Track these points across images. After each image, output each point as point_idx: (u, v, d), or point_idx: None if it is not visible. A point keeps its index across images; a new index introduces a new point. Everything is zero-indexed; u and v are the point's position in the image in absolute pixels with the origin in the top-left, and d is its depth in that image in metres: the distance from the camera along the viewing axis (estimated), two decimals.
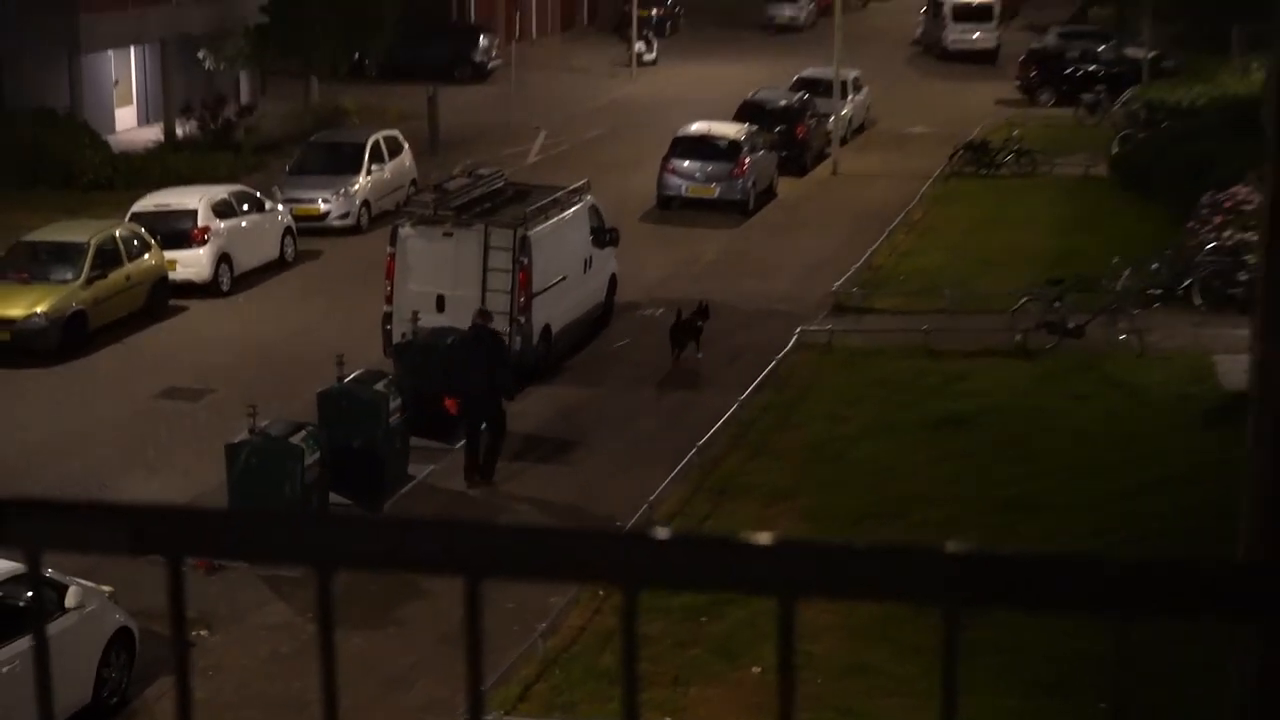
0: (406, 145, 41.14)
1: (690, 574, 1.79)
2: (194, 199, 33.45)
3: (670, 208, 40.21)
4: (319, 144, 40.36)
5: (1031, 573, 1.71)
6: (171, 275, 31.71)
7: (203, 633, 18.42)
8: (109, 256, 30.06)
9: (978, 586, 1.73)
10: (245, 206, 34.12)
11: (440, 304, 26.76)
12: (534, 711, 16.84)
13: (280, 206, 35.60)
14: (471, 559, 1.79)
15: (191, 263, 32.26)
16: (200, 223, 32.61)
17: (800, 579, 1.77)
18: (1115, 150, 45.07)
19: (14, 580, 15.55)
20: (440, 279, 26.91)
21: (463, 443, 23.72)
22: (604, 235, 30.44)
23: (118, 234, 30.73)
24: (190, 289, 32.11)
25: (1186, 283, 31.49)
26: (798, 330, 29.81)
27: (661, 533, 1.78)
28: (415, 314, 25.88)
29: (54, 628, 15.91)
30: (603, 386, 27.46)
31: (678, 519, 21.56)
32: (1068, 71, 59.57)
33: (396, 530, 1.82)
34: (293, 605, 18.89)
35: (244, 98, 50.49)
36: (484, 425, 23.33)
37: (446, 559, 1.81)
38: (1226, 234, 31.91)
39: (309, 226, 36.49)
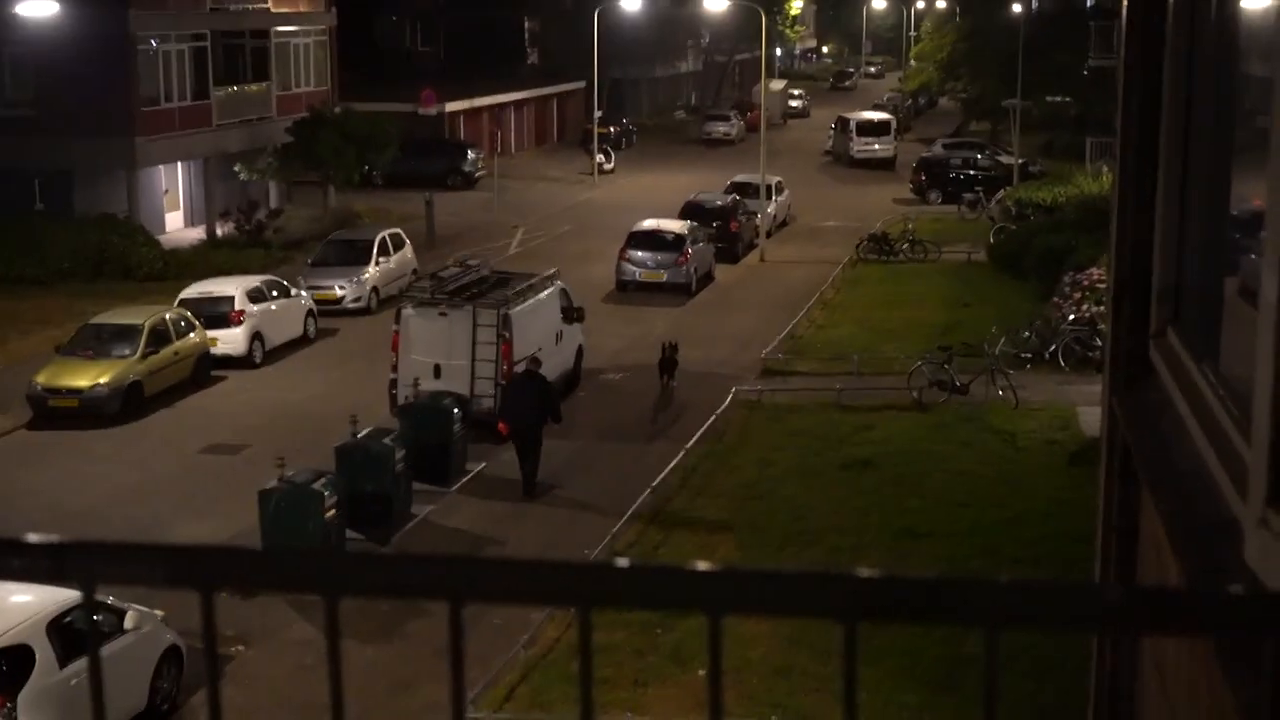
0: (408, 241, 41.14)
1: (634, 596, 1.79)
2: (232, 287, 33.38)
3: (626, 290, 40.26)
4: (335, 240, 40.37)
5: (914, 592, 1.72)
6: (213, 350, 31.60)
7: (240, 648, 18.26)
8: (160, 335, 29.95)
9: (869, 604, 1.73)
10: (275, 293, 34.07)
11: (437, 372, 26.76)
12: (518, 710, 16.74)
13: (304, 293, 35.54)
14: (453, 587, 1.79)
15: (230, 340, 32.15)
16: (237, 307, 32.53)
17: (725, 599, 1.76)
18: (992, 240, 45.35)
19: (79, 608, 15.41)
20: (437, 351, 26.90)
21: (461, 482, 24.56)
22: (572, 313, 30.50)
23: (168, 317, 30.64)
24: (229, 362, 31.97)
25: (1052, 348, 31.67)
26: (733, 390, 29.84)
27: (610, 561, 1.78)
28: (416, 380, 25.90)
29: (115, 645, 15.78)
30: (573, 440, 27.40)
31: (634, 548, 21.51)
32: (952, 176, 59.93)
33: (391, 564, 1.82)
34: (315, 624, 18.73)
35: (273, 203, 50.45)
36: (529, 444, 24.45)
37: (433, 587, 1.80)
38: (1084, 307, 32.12)
39: (328, 309, 36.44)
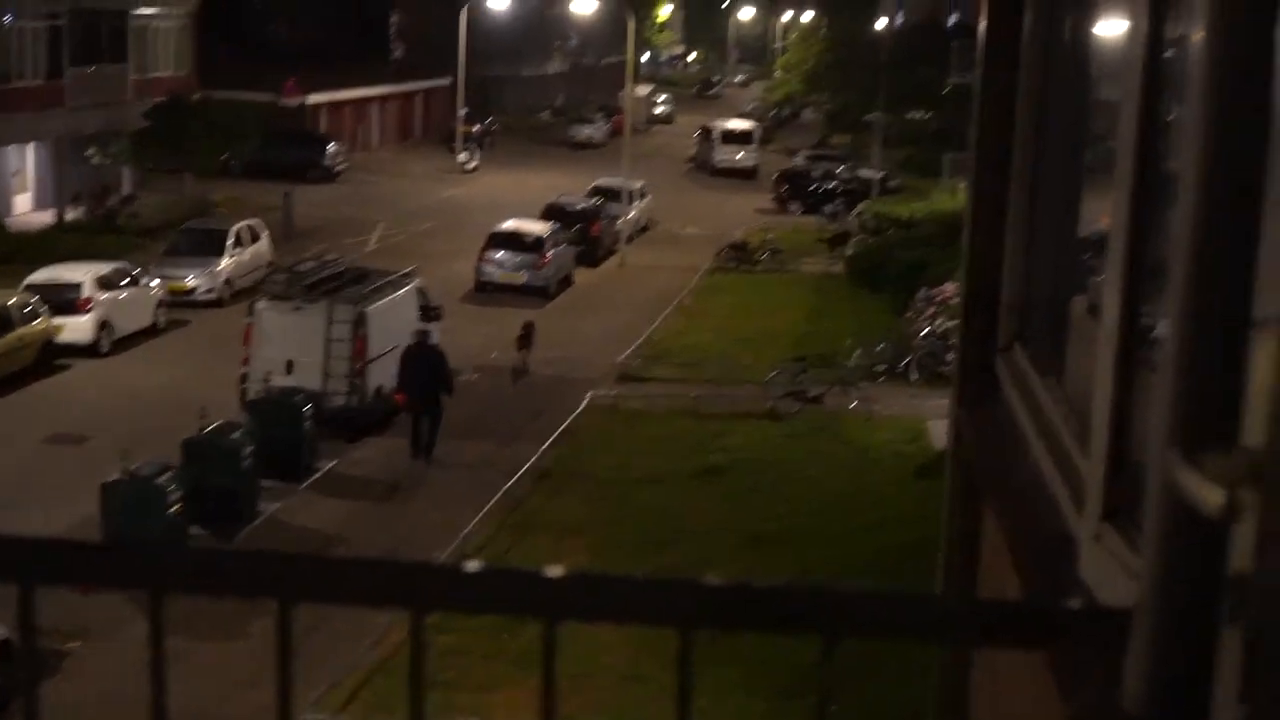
0: (265, 233, 40.59)
1: (467, 600, 1.78)
2: (80, 274, 32.68)
3: (485, 291, 40.06)
4: (190, 230, 39.68)
5: (750, 599, 1.72)
6: (59, 338, 30.92)
7: (76, 644, 17.86)
8: (3, 321, 29.23)
9: (706, 612, 1.73)
10: (125, 281, 33.44)
11: (289, 367, 26.42)
12: (360, 712, 16.58)
13: (155, 282, 34.91)
14: (283, 586, 1.76)
15: (76, 328, 31.47)
16: (85, 294, 31.85)
17: (560, 605, 1.75)
18: (850, 252, 45.86)
19: None
20: (290, 346, 26.57)
21: (311, 479, 24.25)
22: (430, 312, 30.30)
23: (12, 302, 29.93)
24: (74, 350, 31.32)
25: (905, 361, 32.11)
26: (589, 394, 29.86)
27: (444, 564, 1.76)
28: (268, 375, 25.60)
29: None
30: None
31: (485, 551, 21.42)
32: (812, 188, 60.50)
33: (219, 561, 1.78)
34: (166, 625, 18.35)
35: (126, 189, 49.48)
36: (425, 415, 25.73)
37: (262, 585, 1.77)
38: (937, 322, 32.58)
39: (179, 300, 35.83)
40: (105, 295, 32.36)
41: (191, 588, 1.77)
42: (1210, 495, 1.16)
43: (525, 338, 32.22)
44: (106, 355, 31.97)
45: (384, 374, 27.31)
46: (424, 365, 26.08)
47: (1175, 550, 1.30)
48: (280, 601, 1.75)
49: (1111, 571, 3.19)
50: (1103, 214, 4.04)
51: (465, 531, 21.71)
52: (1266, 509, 1.11)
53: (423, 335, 26.85)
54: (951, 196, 48.51)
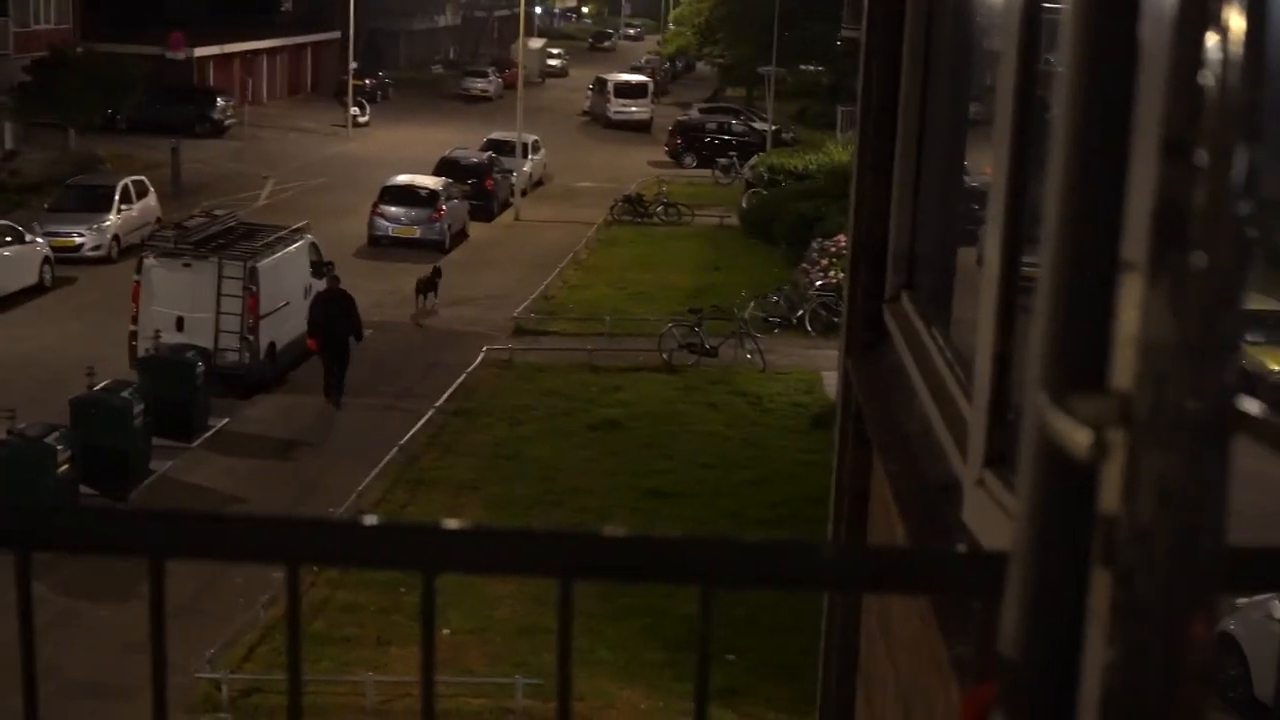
0: (152, 189, 39.97)
1: (345, 554, 1.75)
2: None
3: (379, 245, 39.73)
4: (75, 186, 38.97)
5: (629, 550, 1.71)
6: None
7: None
8: None
9: (584, 562, 1.72)
10: (8, 239, 32.79)
11: (180, 324, 26.09)
12: (256, 670, 16.47)
13: (40, 239, 34.26)
14: (155, 543, 1.72)
15: None
16: None
17: (437, 558, 1.73)
18: (744, 205, 46.00)
19: None
20: (180, 303, 26.22)
21: (203, 437, 24.08)
22: (322, 268, 30.00)
23: None
24: None
25: (800, 313, 32.32)
26: (484, 349, 29.77)
27: (321, 518, 1.74)
28: (157, 333, 25.26)
29: None
30: (318, 395, 27.01)
31: (380, 506, 21.33)
32: (707, 140, 60.61)
33: (90, 518, 1.74)
34: (44, 581, 18.12)
35: (8, 145, 48.46)
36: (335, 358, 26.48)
37: (133, 543, 1.73)
38: (831, 274, 32.82)
39: (66, 257, 35.20)
40: None
41: (56, 546, 1.73)
42: (1079, 437, 1.16)
43: (430, 281, 33.15)
44: None
45: (276, 330, 27.09)
46: (335, 310, 26.55)
47: (1048, 493, 1.30)
48: (151, 560, 1.72)
49: (993, 516, 3.22)
50: (986, 165, 4.06)
51: (360, 488, 21.59)
52: (1132, 450, 1.12)
53: (333, 280, 27.30)
54: (845, 149, 48.70)
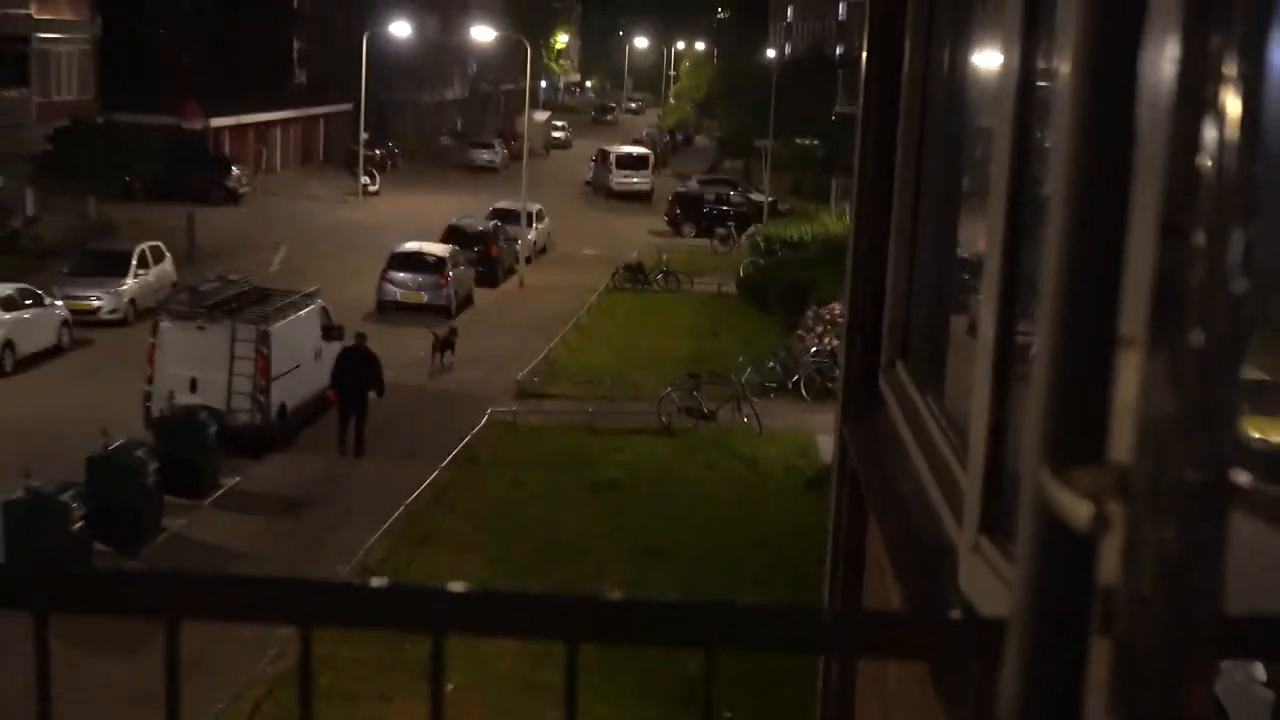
0: (168, 254, 40.10)
1: (356, 616, 1.74)
2: None
3: (387, 310, 39.79)
4: (93, 251, 39.09)
5: (635, 613, 1.70)
6: None
7: None
8: None
9: (591, 626, 1.71)
10: (28, 301, 32.87)
11: (194, 385, 26.11)
12: None
13: (59, 302, 34.32)
14: (172, 604, 1.71)
15: None
16: None
17: (447, 619, 1.72)
18: (742, 274, 46.10)
19: None
20: (194, 365, 26.25)
21: (214, 495, 24.04)
22: (332, 331, 30.09)
23: None
24: None
25: (795, 378, 32.33)
26: (488, 411, 29.74)
27: (331, 580, 1.73)
28: (172, 393, 25.29)
29: None
30: (329, 455, 27.00)
31: (385, 565, 21.24)
32: (705, 210, 60.78)
33: (108, 581, 1.73)
34: (57, 638, 18.00)
35: (29, 211, 48.64)
36: (354, 414, 27.13)
37: (151, 604, 1.72)
38: (826, 340, 32.85)
39: (84, 320, 35.27)
40: (8, 316, 31.76)
41: (73, 608, 1.71)
42: (1079, 509, 1.15)
43: (446, 341, 34.00)
44: (9, 374, 31.36)
45: (287, 391, 27.12)
46: (358, 365, 27.31)
47: (1047, 562, 1.29)
48: (167, 620, 1.71)
49: (989, 582, 3.20)
50: (980, 236, 4.07)
51: (367, 546, 21.52)
52: (1131, 522, 1.11)
53: (360, 337, 28.08)
54: (839, 219, 48.95)
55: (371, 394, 27.56)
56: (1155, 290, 1.11)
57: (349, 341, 28.30)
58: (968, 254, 4.95)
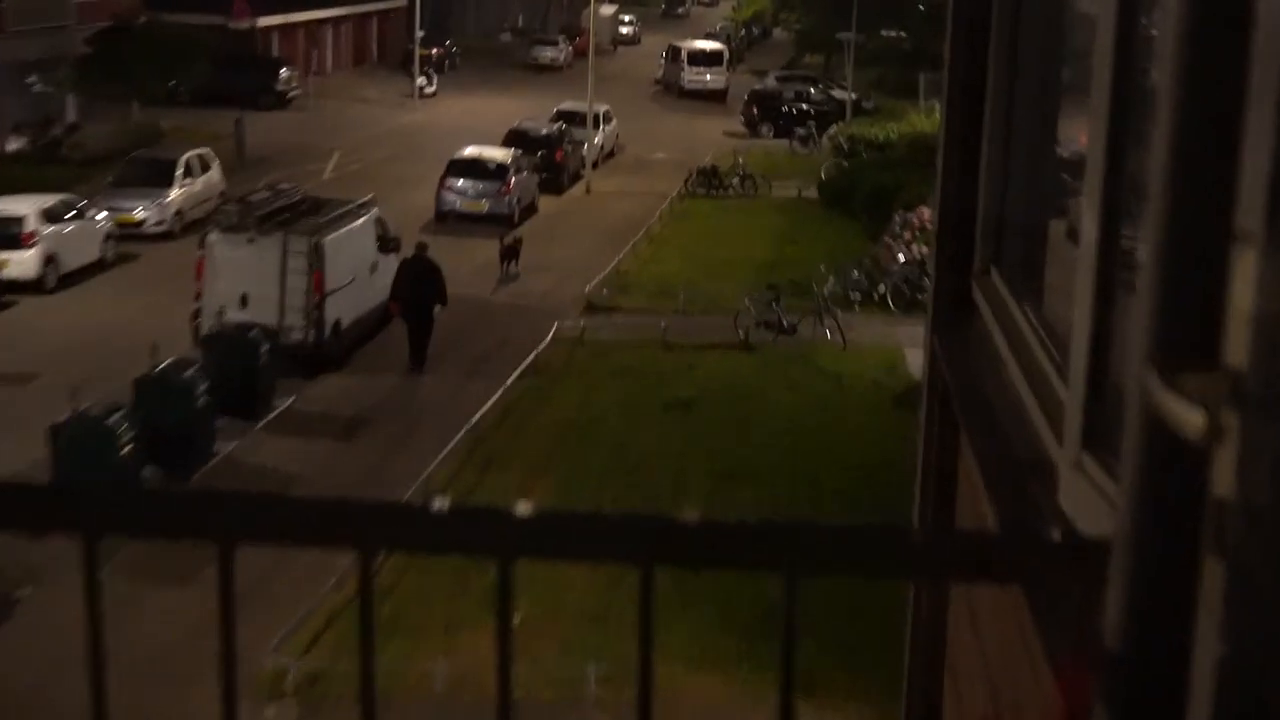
0: (216, 162, 40.33)
1: (418, 539, 1.75)
2: (24, 206, 32.39)
3: (446, 220, 39.87)
4: (137, 159, 39.38)
5: (709, 536, 1.70)
6: (3, 274, 30.73)
7: (28, 589, 17.82)
8: None
9: (663, 548, 1.71)
10: (70, 214, 33.19)
11: (244, 301, 26.32)
12: (322, 656, 16.62)
13: (102, 214, 34.65)
14: (225, 527, 1.73)
15: (21, 262, 31.25)
16: (29, 227, 31.60)
17: (512, 544, 1.73)
18: (823, 176, 45.80)
19: None
20: (244, 280, 26.44)
21: (268, 417, 24.44)
22: (389, 243, 30.21)
23: None
24: (19, 286, 31.12)
25: (881, 288, 32.17)
26: (555, 325, 29.83)
27: (391, 502, 1.74)
28: (222, 310, 25.53)
29: None
30: (388, 373, 27.21)
31: (450, 488, 21.44)
32: (783, 109, 60.35)
33: (158, 502, 1.75)
34: (112, 564, 18.33)
35: (71, 118, 49.03)
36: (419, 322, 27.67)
37: (202, 527, 1.74)
38: (914, 248, 32.64)
39: (128, 233, 35.59)
40: (50, 229, 32.13)
41: (123, 530, 1.73)
42: (1190, 417, 1.14)
43: (512, 249, 34.66)
44: (53, 291, 31.78)
45: (342, 307, 27.29)
46: (422, 277, 27.72)
47: (1154, 477, 1.28)
48: (220, 544, 1.72)
49: (1092, 501, 3.18)
50: (1081, 133, 4.02)
51: (429, 470, 21.71)
52: (1247, 430, 1.09)
53: (421, 247, 28.63)
54: (928, 117, 48.44)
55: (436, 307, 27.87)
56: (1273, 180, 1.09)
57: (410, 253, 28.59)
58: (1068, 152, 4.88)
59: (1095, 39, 3.44)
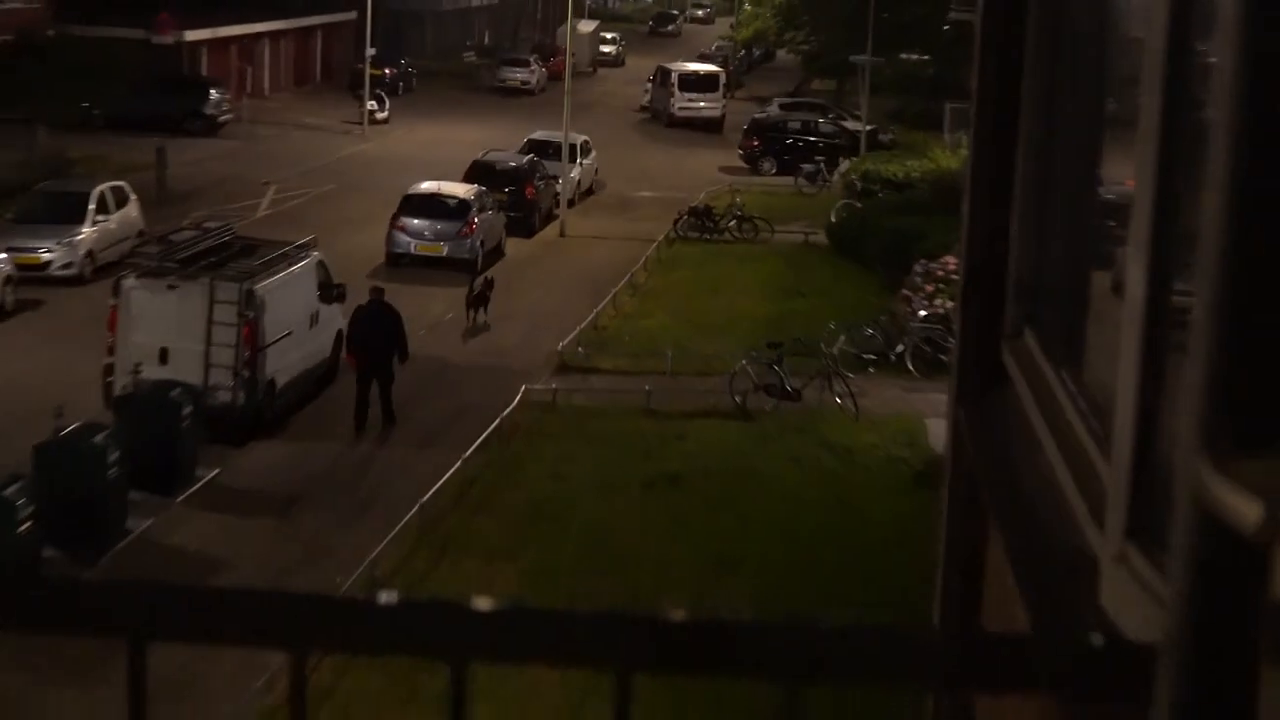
0: (134, 196, 40.34)
1: (359, 639, 1.75)
2: None
3: (399, 265, 39.91)
4: (43, 193, 39.36)
5: (700, 638, 1.70)
6: None
7: None
8: None
9: (647, 652, 1.71)
10: None
11: (164, 357, 26.30)
12: None
13: (1, 255, 34.62)
14: (137, 621, 1.73)
15: None
16: None
17: (470, 644, 1.73)
18: (833, 219, 45.95)
19: None
20: (164, 332, 26.43)
21: (189, 491, 24.27)
22: (332, 291, 30.23)
23: None
24: None
25: (900, 349, 32.23)
26: (523, 388, 29.82)
27: (333, 596, 1.74)
28: (138, 366, 25.46)
29: None
30: (328, 441, 27.15)
31: (397, 578, 21.36)
32: (789, 142, 60.60)
33: (61, 592, 1.75)
34: (6, 666, 18.23)
35: None
36: (376, 380, 28.10)
37: (111, 621, 1.74)
38: (937, 302, 32.69)
39: (31, 276, 35.51)
40: None
41: (16, 623, 1.73)
42: (1246, 509, 1.14)
43: (481, 296, 35.18)
44: None
45: (277, 364, 27.29)
46: (379, 325, 28.21)
47: (1207, 575, 1.28)
48: (131, 640, 1.72)
49: (1137, 600, 3.19)
50: (1128, 172, 4.04)
51: (374, 554, 21.63)
52: None
53: (378, 291, 29.10)
54: (953, 153, 48.68)
55: (396, 359, 28.32)
56: None
57: (365, 298, 28.86)
58: (1114, 193, 4.92)
59: (1143, 65, 3.47)
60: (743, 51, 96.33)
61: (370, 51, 66.12)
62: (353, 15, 73.43)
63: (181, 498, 24.15)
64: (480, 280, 36.03)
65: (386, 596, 1.72)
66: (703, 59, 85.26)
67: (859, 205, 46.54)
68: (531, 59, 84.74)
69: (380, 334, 28.18)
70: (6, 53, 47.56)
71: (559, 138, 50.33)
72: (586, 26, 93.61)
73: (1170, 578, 1.32)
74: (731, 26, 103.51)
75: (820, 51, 76.17)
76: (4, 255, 34.69)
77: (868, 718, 16.72)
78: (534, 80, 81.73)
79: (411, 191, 41.65)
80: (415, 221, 40.43)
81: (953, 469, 6.15)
